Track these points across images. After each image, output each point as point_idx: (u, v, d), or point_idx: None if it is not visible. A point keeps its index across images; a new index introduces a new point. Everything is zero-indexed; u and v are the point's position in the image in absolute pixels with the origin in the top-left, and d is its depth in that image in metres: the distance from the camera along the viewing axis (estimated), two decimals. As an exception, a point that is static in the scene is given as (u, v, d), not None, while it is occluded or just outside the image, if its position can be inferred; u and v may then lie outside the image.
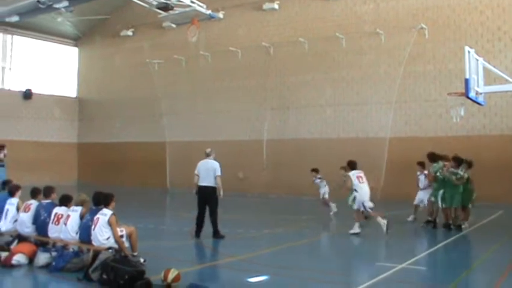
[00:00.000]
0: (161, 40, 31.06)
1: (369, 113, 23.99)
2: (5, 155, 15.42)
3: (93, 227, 9.00)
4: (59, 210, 9.86)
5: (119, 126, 33.16)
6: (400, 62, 23.38)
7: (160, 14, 19.75)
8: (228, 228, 13.53)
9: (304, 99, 25.75)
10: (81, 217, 9.51)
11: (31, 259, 9.53)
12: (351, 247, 12.27)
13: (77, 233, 9.42)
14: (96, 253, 8.77)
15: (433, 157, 14.99)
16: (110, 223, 8.92)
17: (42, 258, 9.43)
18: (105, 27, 34.13)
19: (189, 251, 11.58)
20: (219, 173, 12.89)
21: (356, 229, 13.20)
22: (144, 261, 9.32)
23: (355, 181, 13.19)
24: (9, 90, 33.39)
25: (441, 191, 14.41)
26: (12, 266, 9.38)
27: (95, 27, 34.84)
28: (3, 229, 10.72)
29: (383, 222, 12.98)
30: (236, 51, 27.99)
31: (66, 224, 9.45)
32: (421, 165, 15.83)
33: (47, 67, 35.22)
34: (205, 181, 12.84)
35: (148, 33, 31.65)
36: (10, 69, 33.46)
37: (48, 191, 10.41)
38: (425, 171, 15.50)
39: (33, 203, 10.43)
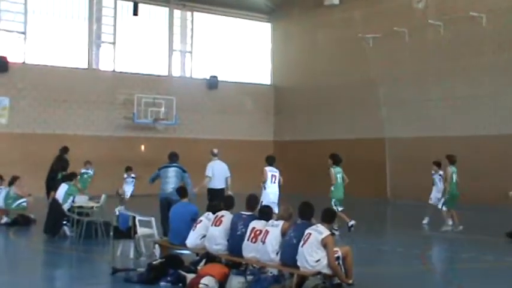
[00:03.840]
0: (377, 9, 31.70)
1: None
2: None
3: (301, 243, 9.28)
4: (257, 224, 10.27)
5: (325, 119, 34.40)
6: None
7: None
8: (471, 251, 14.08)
9: None
10: (283, 234, 9.83)
11: (222, 283, 9.93)
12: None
13: (277, 253, 9.78)
14: (302, 279, 9.06)
15: None
16: (324, 244, 9.19)
17: (236, 283, 9.83)
18: (304, -4, 35.75)
19: (423, 281, 11.62)
20: (229, 174, 15.81)
21: None
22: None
23: None
24: (190, 78, 35.86)
25: None
26: (199, 291, 9.77)
27: (292, -4, 36.57)
28: (190, 244, 11.43)
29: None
30: (479, 16, 27.41)
31: (264, 241, 9.82)
32: None
33: (234, 49, 37.52)
34: (219, 183, 15.42)
35: (359, 0, 32.36)
36: (191, 53, 36.25)
37: (253, 202, 11.03)
38: None
39: (226, 215, 10.97)
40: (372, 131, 31.59)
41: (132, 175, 21.96)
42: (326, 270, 9.19)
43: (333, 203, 16.70)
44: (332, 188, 17.05)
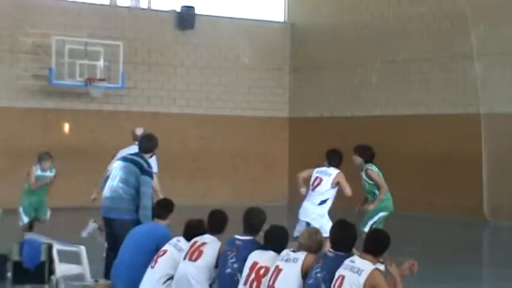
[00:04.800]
0: None
1: None
2: None
3: None
4: (261, 258, 9.33)
5: (375, 82, 29.19)
6: None
7: None
8: None
9: None
10: (305, 274, 8.81)
11: None
12: None
13: None
14: None
15: None
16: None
17: None
18: None
19: None
20: (158, 169, 14.93)
21: None
22: None
23: None
24: (148, 10, 30.93)
25: None
26: None
27: None
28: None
29: None
30: None
31: (273, 286, 8.87)
32: None
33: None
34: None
35: None
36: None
37: (255, 219, 10.06)
38: None
39: (211, 242, 9.99)
40: (459, 102, 26.38)
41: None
42: None
43: (377, 219, 14.26)
44: (383, 197, 14.36)
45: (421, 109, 27.78)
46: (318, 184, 13.74)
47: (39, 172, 17.13)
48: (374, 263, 8.38)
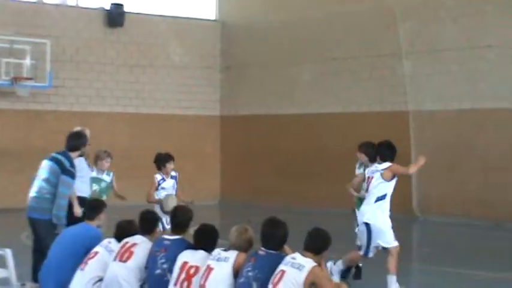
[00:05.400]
0: None
1: None
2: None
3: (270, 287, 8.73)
4: (191, 257, 9.25)
5: (307, 80, 29.70)
6: None
7: None
8: None
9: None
10: (236, 272, 8.87)
11: None
12: None
13: None
14: None
15: None
16: (310, 283, 8.40)
17: None
18: None
19: None
20: None
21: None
22: None
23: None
24: (76, 7, 30.62)
25: None
26: None
27: None
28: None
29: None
30: None
31: (204, 285, 8.83)
32: None
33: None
34: (86, 187, 13.91)
35: None
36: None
37: (181, 217, 10.02)
38: None
39: (142, 243, 9.85)
40: (388, 100, 27.37)
41: None
42: None
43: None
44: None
45: (351, 107, 28.28)
46: (370, 183, 13.09)
47: None
48: (315, 261, 8.48)
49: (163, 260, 9.56)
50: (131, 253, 9.87)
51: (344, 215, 20.43)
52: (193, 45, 32.42)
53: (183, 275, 9.23)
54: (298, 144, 30.40)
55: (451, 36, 26.16)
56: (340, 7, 28.59)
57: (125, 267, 9.75)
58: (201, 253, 9.35)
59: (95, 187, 14.58)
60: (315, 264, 8.56)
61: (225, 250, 9.21)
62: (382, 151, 13.13)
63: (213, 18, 33.61)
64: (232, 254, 9.05)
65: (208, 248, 9.38)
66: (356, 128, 27.57)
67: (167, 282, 9.38)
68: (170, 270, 9.41)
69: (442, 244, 21.44)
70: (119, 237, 10.12)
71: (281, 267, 8.53)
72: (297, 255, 8.58)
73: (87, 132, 13.45)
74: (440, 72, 26.47)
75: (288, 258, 8.59)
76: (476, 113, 25.39)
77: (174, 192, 14.46)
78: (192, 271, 9.15)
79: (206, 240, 9.50)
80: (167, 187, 14.46)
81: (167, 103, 31.49)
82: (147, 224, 10.23)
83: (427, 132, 26.30)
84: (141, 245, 9.90)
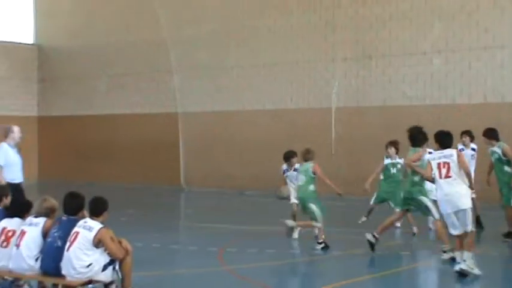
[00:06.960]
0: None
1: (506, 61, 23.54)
2: None
3: (66, 246, 8.95)
4: (8, 224, 9.71)
5: (103, 90, 33.42)
6: None
7: None
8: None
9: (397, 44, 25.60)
10: (44, 234, 9.31)
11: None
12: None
13: (36, 260, 9.30)
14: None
15: None
16: (97, 241, 8.88)
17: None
18: None
19: (220, 283, 11.66)
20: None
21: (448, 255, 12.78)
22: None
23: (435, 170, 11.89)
24: None
25: None
26: None
27: None
28: None
29: None
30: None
31: (19, 245, 9.32)
32: None
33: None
34: (19, 175, 13.25)
35: None
36: None
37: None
38: None
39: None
40: (162, 104, 31.55)
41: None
42: (100, 277, 8.92)
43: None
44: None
45: (136, 109, 31.87)
46: (448, 169, 11.76)
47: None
48: (101, 222, 9.15)
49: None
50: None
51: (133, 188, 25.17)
52: (16, 63, 35.02)
53: (2, 237, 9.76)
54: (96, 137, 33.00)
55: (205, 58, 29.82)
56: (126, 35, 32.44)
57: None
58: (16, 220, 9.88)
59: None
60: (101, 226, 9.12)
61: (35, 217, 9.70)
62: (439, 139, 12.00)
63: (31, 42, 36.50)
64: (42, 220, 9.57)
65: (22, 216, 9.89)
66: (139, 126, 31.55)
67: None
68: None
69: (201, 207, 24.33)
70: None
71: (76, 229, 9.13)
72: (88, 219, 9.23)
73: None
74: (199, 84, 30.30)
75: (81, 222, 9.20)
76: (220, 116, 29.36)
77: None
78: (9, 234, 9.72)
79: (18, 210, 10.00)
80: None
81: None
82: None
83: (191, 128, 29.93)
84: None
